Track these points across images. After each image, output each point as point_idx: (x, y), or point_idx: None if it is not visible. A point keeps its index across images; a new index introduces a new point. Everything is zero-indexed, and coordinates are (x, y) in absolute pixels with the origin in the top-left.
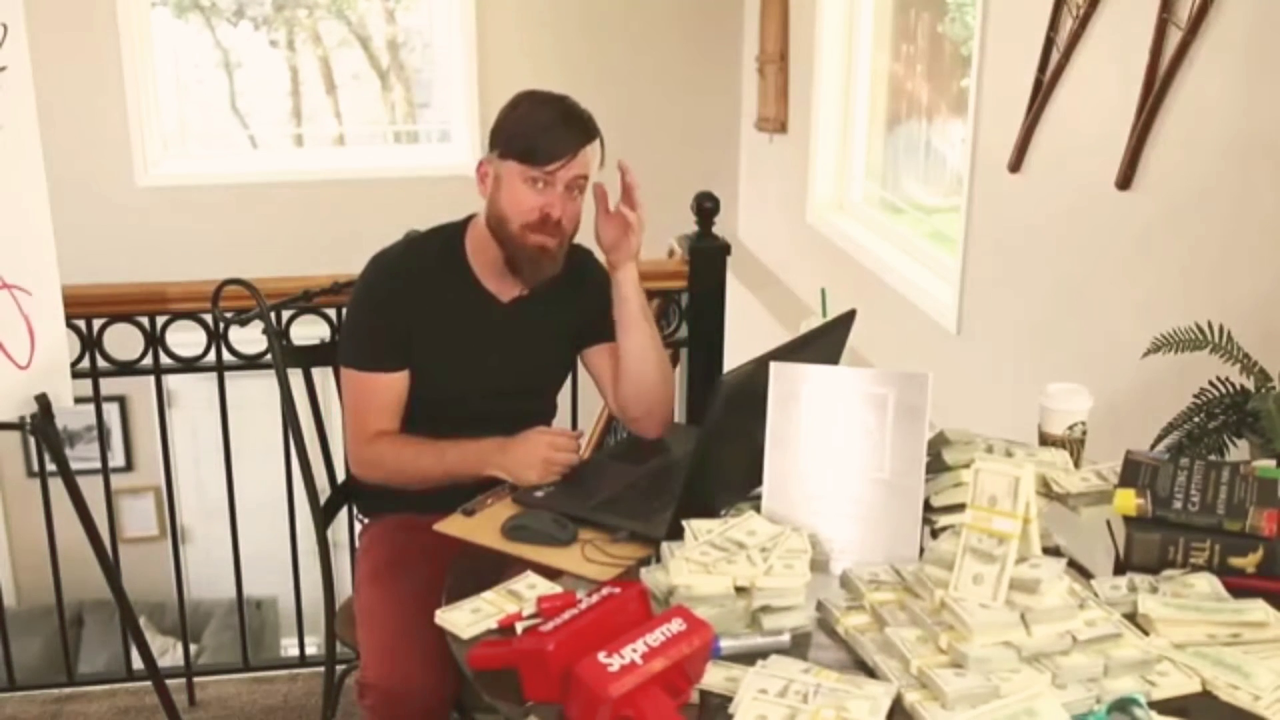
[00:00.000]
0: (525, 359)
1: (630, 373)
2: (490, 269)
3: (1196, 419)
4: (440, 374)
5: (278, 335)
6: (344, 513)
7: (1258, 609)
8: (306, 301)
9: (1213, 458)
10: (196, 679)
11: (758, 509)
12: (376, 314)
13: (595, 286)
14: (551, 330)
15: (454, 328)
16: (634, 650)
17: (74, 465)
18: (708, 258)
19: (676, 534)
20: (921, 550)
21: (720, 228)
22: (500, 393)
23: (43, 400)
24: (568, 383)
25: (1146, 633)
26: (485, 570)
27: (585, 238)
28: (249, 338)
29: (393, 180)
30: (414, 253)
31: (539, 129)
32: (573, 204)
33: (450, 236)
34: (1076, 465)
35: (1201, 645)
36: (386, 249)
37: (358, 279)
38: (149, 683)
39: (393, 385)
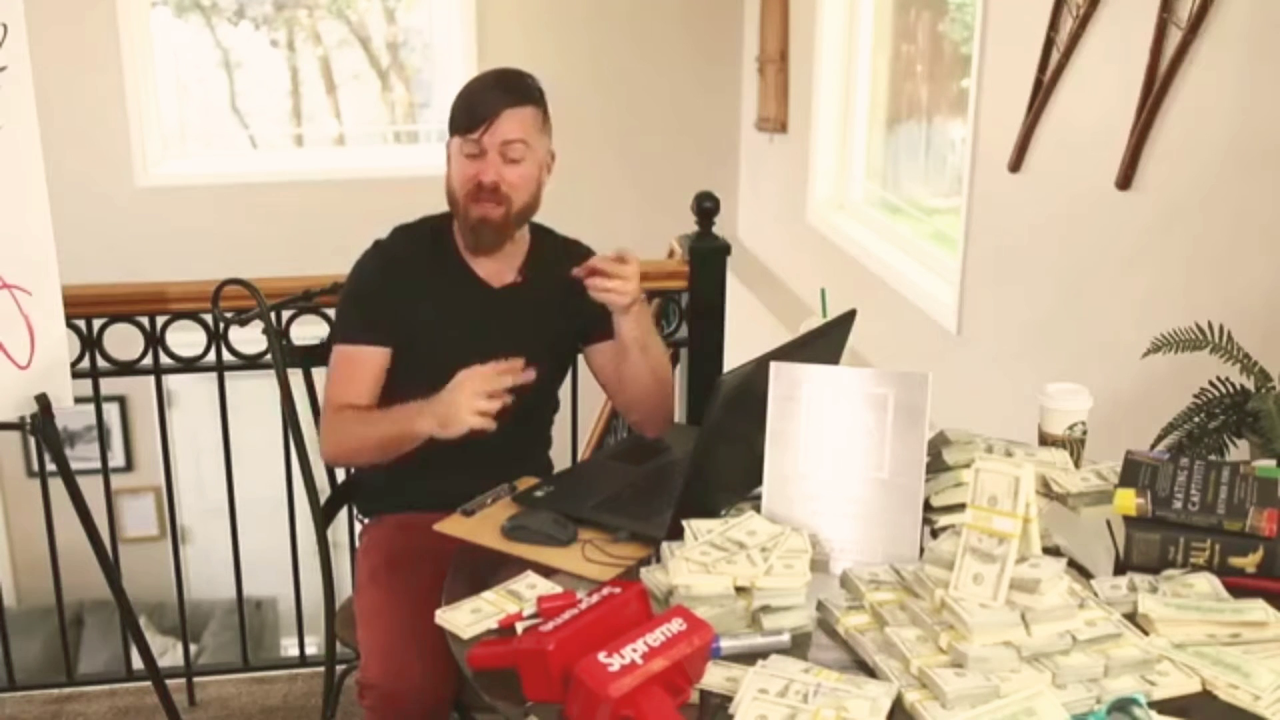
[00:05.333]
0: (518, 345)
1: (627, 388)
2: (478, 254)
3: (1196, 419)
4: (433, 356)
5: (278, 335)
6: (344, 513)
7: (1258, 609)
8: (306, 301)
9: (1213, 458)
10: (196, 679)
11: (758, 509)
12: (363, 290)
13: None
14: (547, 320)
15: (445, 310)
16: (634, 650)
17: (74, 465)
18: (708, 258)
19: (676, 534)
20: (921, 550)
21: (720, 228)
22: None
23: (43, 400)
24: (568, 381)
25: (1146, 633)
26: (485, 570)
27: (575, 230)
28: (249, 338)
29: (393, 180)
30: (405, 238)
31: (468, 96)
32: (512, 170)
33: (438, 224)
34: (1076, 465)
35: (1201, 645)
36: (379, 239)
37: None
38: (149, 683)
39: (369, 360)
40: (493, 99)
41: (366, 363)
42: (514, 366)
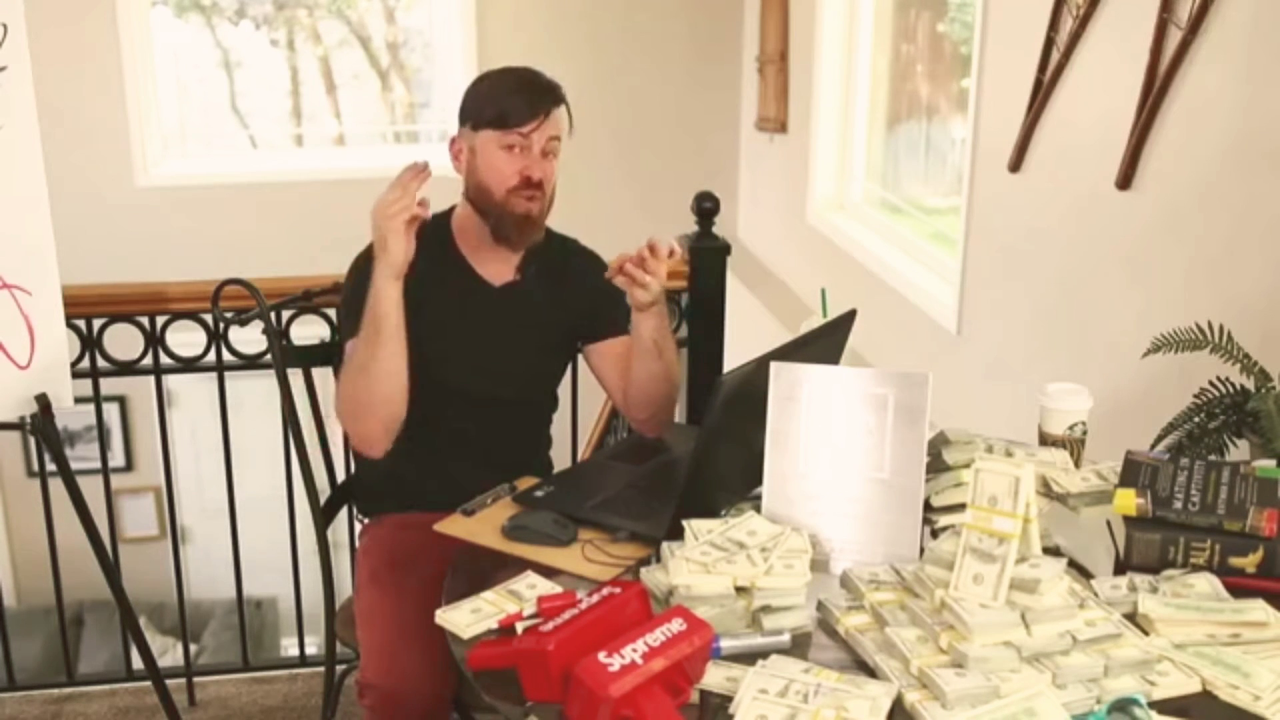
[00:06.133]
0: (518, 344)
1: (636, 389)
2: (478, 251)
3: (1196, 419)
4: (433, 355)
5: (278, 335)
6: (344, 513)
7: (1258, 609)
8: (306, 301)
9: (1213, 458)
10: (196, 679)
11: (758, 509)
12: (361, 287)
13: (590, 282)
14: (545, 318)
15: (444, 308)
16: (634, 650)
17: (74, 465)
18: (708, 258)
19: (676, 534)
20: (921, 550)
21: (720, 228)
22: (495, 376)
23: (43, 400)
24: (567, 380)
25: (1146, 633)
26: (485, 570)
27: (575, 230)
28: (249, 338)
29: (393, 180)
30: None
31: (508, 94)
32: (548, 165)
33: (437, 222)
34: (1076, 465)
35: (1201, 645)
36: None
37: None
38: (149, 683)
39: None
40: (543, 96)
41: None
42: (415, 169)
